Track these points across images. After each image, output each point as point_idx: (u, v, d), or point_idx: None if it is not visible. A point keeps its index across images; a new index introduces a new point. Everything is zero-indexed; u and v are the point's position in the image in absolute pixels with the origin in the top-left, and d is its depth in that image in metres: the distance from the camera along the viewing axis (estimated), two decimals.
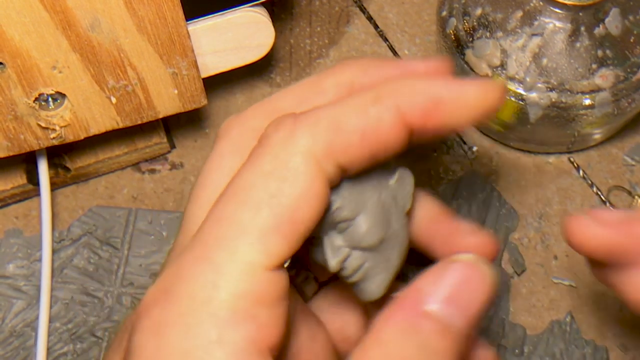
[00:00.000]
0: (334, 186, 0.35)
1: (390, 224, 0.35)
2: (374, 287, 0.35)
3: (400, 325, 0.32)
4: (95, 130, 0.45)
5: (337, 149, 0.34)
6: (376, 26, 0.55)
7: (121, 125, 0.46)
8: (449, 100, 0.34)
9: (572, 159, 0.52)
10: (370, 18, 0.56)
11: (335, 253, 0.35)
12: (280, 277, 0.33)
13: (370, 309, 0.42)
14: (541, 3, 0.46)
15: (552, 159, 0.52)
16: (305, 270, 0.41)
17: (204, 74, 0.46)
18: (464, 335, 0.33)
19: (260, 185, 0.33)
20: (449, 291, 0.33)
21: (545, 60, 0.47)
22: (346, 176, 0.35)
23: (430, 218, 0.40)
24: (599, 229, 0.35)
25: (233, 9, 0.45)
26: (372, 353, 0.32)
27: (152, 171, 0.52)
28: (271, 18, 0.46)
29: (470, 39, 0.48)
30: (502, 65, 0.47)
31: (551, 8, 0.46)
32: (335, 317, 0.42)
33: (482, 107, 0.35)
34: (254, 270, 0.32)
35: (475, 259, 0.34)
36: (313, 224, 0.34)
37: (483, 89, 0.35)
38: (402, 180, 0.36)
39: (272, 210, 0.32)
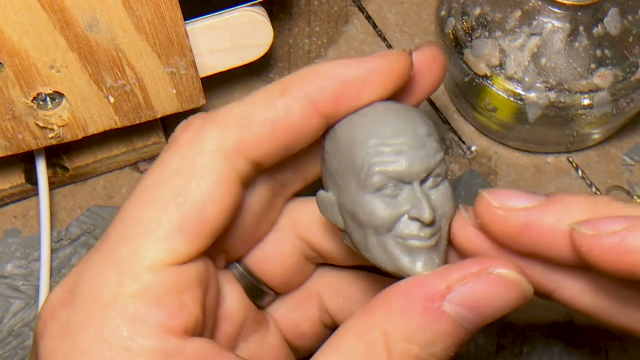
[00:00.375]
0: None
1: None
2: (437, 259, 0.34)
3: (420, 314, 0.32)
4: (93, 130, 0.45)
5: (247, 145, 0.34)
6: (375, 26, 0.55)
7: (120, 125, 0.45)
8: (355, 79, 0.34)
9: (571, 159, 0.52)
10: (369, 18, 0.56)
11: (431, 206, 0.33)
12: (189, 271, 0.33)
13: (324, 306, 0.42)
14: (540, 3, 0.46)
15: (551, 159, 0.52)
16: (257, 283, 0.40)
17: (203, 74, 0.46)
18: (470, 336, 0.33)
19: (166, 185, 0.33)
20: (479, 304, 0.32)
21: (544, 60, 0.47)
22: (263, 171, 0.35)
23: None
24: (500, 217, 0.33)
25: (232, 8, 0.45)
26: (391, 324, 0.32)
27: None
28: (270, 18, 0.46)
29: (469, 39, 0.48)
30: (501, 65, 0.47)
31: (550, 8, 0.46)
32: (291, 316, 0.42)
33: (390, 80, 0.34)
34: (157, 267, 0.32)
35: (517, 278, 0.32)
36: (224, 220, 0.34)
37: (387, 61, 0.34)
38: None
39: (177, 209, 0.33)
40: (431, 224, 0.33)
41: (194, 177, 0.33)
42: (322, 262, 0.41)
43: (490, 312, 0.32)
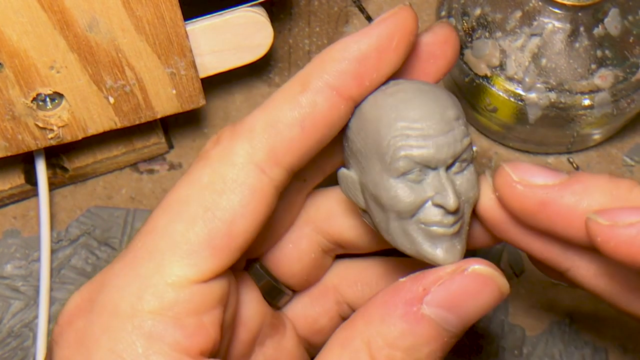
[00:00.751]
0: None
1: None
2: (459, 246, 0.33)
3: (400, 318, 0.32)
4: (93, 130, 0.45)
5: (279, 151, 0.33)
6: None
7: (119, 126, 0.45)
8: (369, 51, 0.33)
9: (571, 160, 0.52)
10: (369, 18, 0.56)
11: (456, 193, 0.33)
12: (212, 288, 0.32)
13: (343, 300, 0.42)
14: (540, 3, 0.46)
15: (551, 159, 0.52)
16: (275, 283, 0.40)
17: (203, 74, 0.46)
18: (454, 339, 0.32)
19: (196, 199, 0.32)
20: (456, 301, 0.32)
21: (544, 61, 0.47)
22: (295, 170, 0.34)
23: None
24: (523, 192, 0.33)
25: (231, 9, 0.45)
26: (373, 331, 0.32)
27: (151, 171, 0.52)
28: (270, 18, 0.46)
29: (469, 39, 0.48)
30: (501, 66, 0.47)
31: (550, 8, 0.46)
32: (309, 313, 0.42)
33: (402, 39, 0.33)
34: (181, 283, 0.31)
35: (493, 275, 0.32)
36: (253, 234, 0.33)
37: (392, 20, 0.33)
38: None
39: (206, 225, 0.32)
40: (455, 212, 0.33)
41: (225, 191, 0.32)
42: (340, 252, 0.41)
43: (469, 311, 0.32)
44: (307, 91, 0.33)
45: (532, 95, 0.47)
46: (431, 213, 0.33)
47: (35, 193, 0.50)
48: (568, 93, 0.47)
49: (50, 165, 0.50)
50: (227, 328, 0.35)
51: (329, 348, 0.32)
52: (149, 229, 0.33)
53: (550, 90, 0.47)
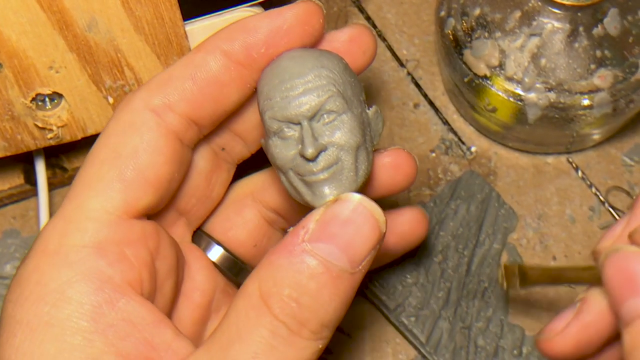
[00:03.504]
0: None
1: (365, 140, 0.36)
2: (335, 190, 0.35)
3: (284, 258, 0.33)
4: (92, 130, 0.45)
5: (173, 99, 0.36)
6: (374, 26, 0.55)
7: None
8: (261, 28, 0.37)
9: (570, 160, 0.52)
10: (368, 18, 0.56)
11: (314, 142, 0.35)
12: (132, 224, 0.35)
13: None
14: (539, 3, 0.46)
15: (550, 159, 0.52)
16: (227, 252, 0.43)
17: None
18: (346, 276, 0.33)
19: (103, 145, 0.36)
20: (331, 230, 0.33)
21: (543, 61, 0.47)
22: (203, 132, 0.38)
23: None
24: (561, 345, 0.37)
25: (230, 9, 0.45)
26: (262, 275, 0.33)
27: None
28: None
29: (469, 39, 0.48)
30: (501, 66, 0.47)
31: (549, 8, 0.46)
32: None
33: (296, 28, 0.37)
34: (100, 217, 0.34)
35: (361, 199, 0.34)
36: (165, 173, 0.36)
37: (296, 12, 0.37)
38: (377, 114, 0.38)
39: (114, 162, 0.35)
40: (314, 159, 0.35)
41: (126, 132, 0.36)
42: (283, 225, 0.44)
43: (349, 240, 0.33)
44: (200, 51, 0.37)
45: (532, 96, 0.47)
46: (301, 164, 0.36)
47: (34, 193, 0.50)
48: (567, 93, 0.47)
49: (49, 166, 0.50)
50: (164, 280, 0.37)
51: (232, 301, 0.34)
52: (73, 182, 0.36)
53: (550, 90, 0.47)
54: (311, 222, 0.33)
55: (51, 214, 0.50)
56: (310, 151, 0.35)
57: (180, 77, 0.37)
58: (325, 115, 0.35)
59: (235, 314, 0.33)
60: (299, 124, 0.35)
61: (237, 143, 0.41)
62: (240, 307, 0.33)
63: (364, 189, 0.36)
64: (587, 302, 0.37)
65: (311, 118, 0.35)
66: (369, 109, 0.37)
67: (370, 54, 0.40)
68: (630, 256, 0.33)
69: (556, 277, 0.40)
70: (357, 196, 0.34)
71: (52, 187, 0.51)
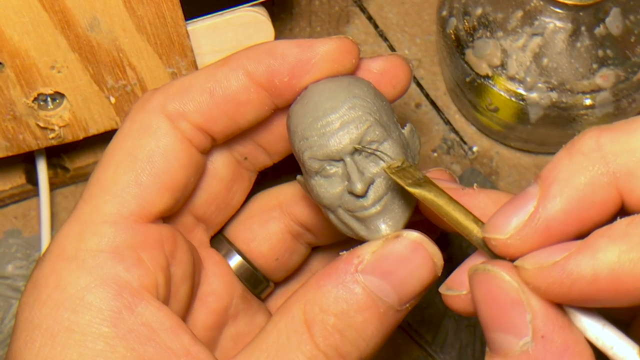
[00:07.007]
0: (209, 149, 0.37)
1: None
2: (390, 222, 0.34)
3: (334, 285, 0.33)
4: (94, 130, 0.45)
5: (188, 109, 0.36)
6: (376, 26, 0.55)
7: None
8: (291, 57, 0.36)
9: None
10: (370, 18, 0.56)
11: (361, 177, 0.34)
12: (148, 229, 0.35)
13: None
14: (541, 3, 0.46)
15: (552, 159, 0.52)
16: (247, 263, 0.42)
17: None
18: (392, 313, 0.33)
19: (119, 147, 0.36)
20: (387, 266, 0.33)
21: (545, 60, 0.47)
22: (216, 144, 0.38)
23: None
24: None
25: (232, 8, 0.45)
26: (309, 298, 0.33)
27: None
28: (271, 18, 0.46)
29: (471, 39, 0.48)
30: (503, 65, 0.47)
31: (552, 8, 0.46)
32: None
33: (333, 64, 0.36)
34: (116, 221, 0.34)
35: (422, 240, 0.33)
36: (180, 177, 0.36)
37: (331, 46, 0.36)
38: (412, 132, 0.37)
39: (129, 165, 0.35)
40: (364, 194, 0.34)
41: (141, 135, 0.36)
42: (311, 239, 0.43)
43: (402, 279, 0.33)
44: (224, 66, 0.36)
45: (534, 95, 0.47)
46: (350, 200, 0.35)
47: (36, 193, 0.50)
48: (569, 93, 0.47)
49: (51, 165, 0.50)
50: (179, 284, 0.37)
51: (273, 316, 0.34)
52: (87, 185, 0.36)
53: (552, 90, 0.47)
54: (367, 253, 0.33)
55: (52, 214, 0.50)
56: (359, 187, 0.34)
57: (199, 88, 0.36)
58: (366, 147, 0.34)
59: (276, 333, 0.33)
60: (341, 160, 0.34)
61: (260, 153, 0.41)
62: (282, 328, 0.33)
63: None
64: (548, 183, 0.31)
65: (353, 152, 0.34)
66: (403, 129, 0.36)
67: (401, 89, 0.38)
68: (500, 284, 0.29)
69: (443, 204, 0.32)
70: (419, 236, 0.33)
71: (53, 187, 0.51)
